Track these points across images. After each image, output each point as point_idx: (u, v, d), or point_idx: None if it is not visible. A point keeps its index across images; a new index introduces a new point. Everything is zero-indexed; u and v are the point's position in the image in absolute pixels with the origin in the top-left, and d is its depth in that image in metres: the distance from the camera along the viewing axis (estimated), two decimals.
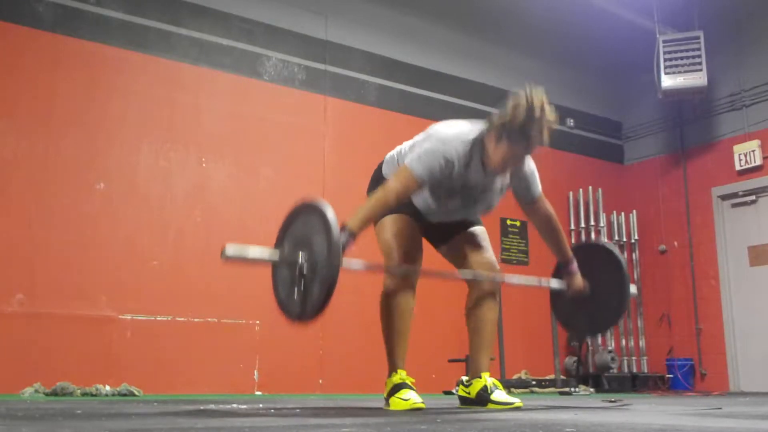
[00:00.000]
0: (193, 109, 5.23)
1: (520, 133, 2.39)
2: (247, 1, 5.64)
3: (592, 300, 2.88)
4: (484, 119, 2.54)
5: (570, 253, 2.82)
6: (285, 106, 5.61)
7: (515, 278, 2.95)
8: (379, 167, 2.82)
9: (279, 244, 2.31)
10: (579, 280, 2.83)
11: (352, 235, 2.27)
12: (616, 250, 2.98)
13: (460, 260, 2.77)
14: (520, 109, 2.39)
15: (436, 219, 2.72)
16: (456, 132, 2.52)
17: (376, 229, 2.71)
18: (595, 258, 2.93)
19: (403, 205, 2.62)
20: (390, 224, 2.66)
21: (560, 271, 2.88)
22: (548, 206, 2.74)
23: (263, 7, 5.70)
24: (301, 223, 2.26)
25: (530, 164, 2.64)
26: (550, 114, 2.40)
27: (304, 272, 2.16)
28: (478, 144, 2.51)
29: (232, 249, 2.16)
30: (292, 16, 5.82)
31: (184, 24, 5.32)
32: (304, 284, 2.17)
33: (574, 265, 2.83)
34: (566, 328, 3.04)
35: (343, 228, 2.22)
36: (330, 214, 2.13)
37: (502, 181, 2.64)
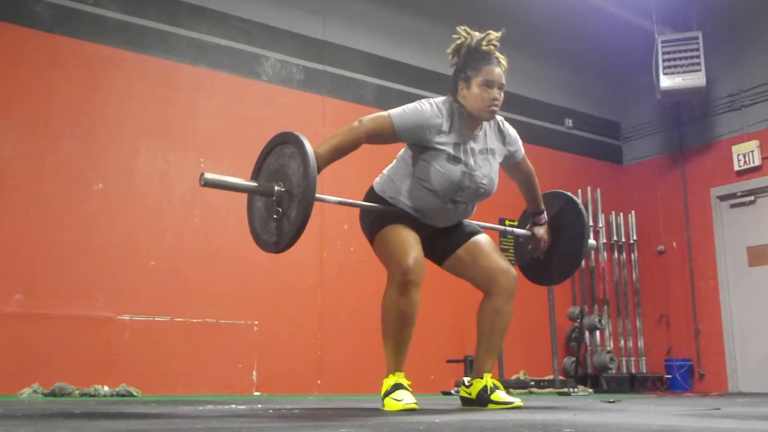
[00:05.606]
0: (192, 109, 5.23)
1: (479, 56, 2.56)
2: (245, 1, 5.64)
3: (553, 249, 2.96)
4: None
5: (542, 206, 2.95)
6: (283, 106, 5.60)
7: (480, 223, 2.87)
8: (371, 189, 2.76)
9: (255, 177, 2.46)
10: (544, 231, 2.94)
11: (321, 159, 2.37)
12: (578, 201, 3.01)
13: (468, 268, 2.71)
14: (461, 44, 2.60)
15: (442, 219, 2.66)
16: (434, 99, 2.63)
17: (375, 241, 2.64)
18: (557, 207, 3.00)
19: (405, 215, 2.60)
20: (394, 232, 2.57)
21: (528, 219, 2.98)
22: (529, 164, 2.87)
23: (261, 8, 5.70)
24: (275, 155, 2.40)
25: (511, 130, 2.76)
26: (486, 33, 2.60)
27: (282, 199, 2.30)
28: (455, 103, 2.61)
29: (211, 175, 2.26)
30: (290, 16, 5.82)
31: (182, 24, 5.32)
32: (281, 211, 2.29)
33: (544, 217, 2.95)
34: (525, 275, 3.10)
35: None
36: (305, 141, 2.28)
37: (492, 144, 2.68)
